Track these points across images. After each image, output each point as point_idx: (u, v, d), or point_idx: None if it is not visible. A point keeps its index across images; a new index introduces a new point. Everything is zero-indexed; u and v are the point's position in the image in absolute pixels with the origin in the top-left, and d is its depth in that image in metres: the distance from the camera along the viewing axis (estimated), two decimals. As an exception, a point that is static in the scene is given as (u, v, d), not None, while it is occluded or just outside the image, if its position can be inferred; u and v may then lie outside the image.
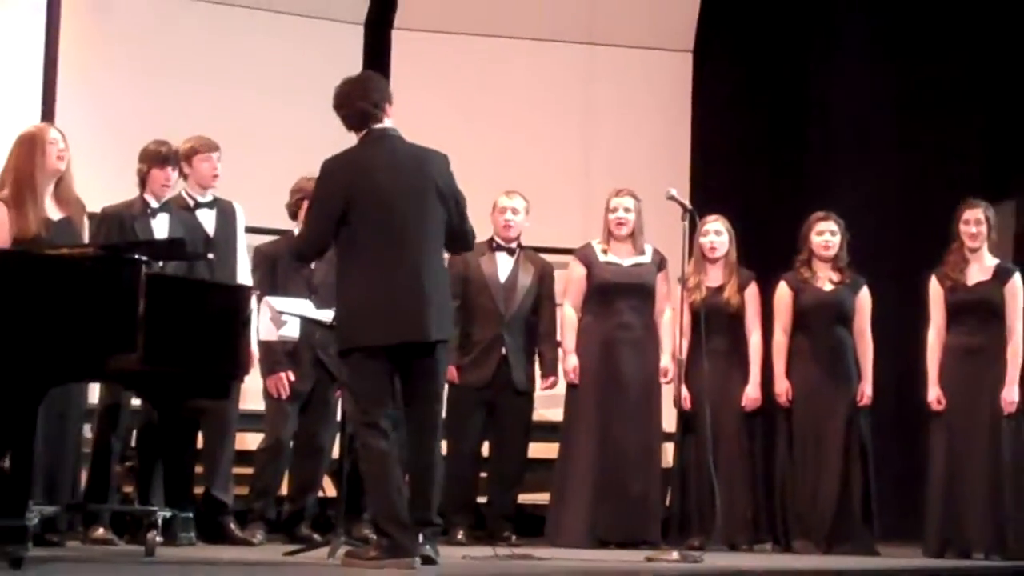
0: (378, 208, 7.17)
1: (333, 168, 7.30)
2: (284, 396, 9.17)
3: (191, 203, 9.00)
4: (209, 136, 9.10)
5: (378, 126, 7.32)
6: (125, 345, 6.61)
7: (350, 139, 7.39)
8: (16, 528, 6.38)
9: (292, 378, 9.15)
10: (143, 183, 8.73)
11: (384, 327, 7.11)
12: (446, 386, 9.16)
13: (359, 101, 7.35)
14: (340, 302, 7.39)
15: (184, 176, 8.98)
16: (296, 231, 9.04)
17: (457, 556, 8.19)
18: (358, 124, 7.34)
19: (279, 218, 9.47)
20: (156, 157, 8.69)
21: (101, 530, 8.40)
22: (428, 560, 7.04)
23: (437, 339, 7.24)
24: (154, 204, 8.68)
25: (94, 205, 8.52)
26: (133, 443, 8.79)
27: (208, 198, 9.04)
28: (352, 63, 11.72)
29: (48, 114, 10.56)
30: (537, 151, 11.65)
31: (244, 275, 8.97)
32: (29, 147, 7.75)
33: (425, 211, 7.23)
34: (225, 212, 9.08)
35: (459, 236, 7.47)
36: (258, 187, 9.35)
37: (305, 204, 8.87)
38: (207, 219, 8.97)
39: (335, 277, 7.56)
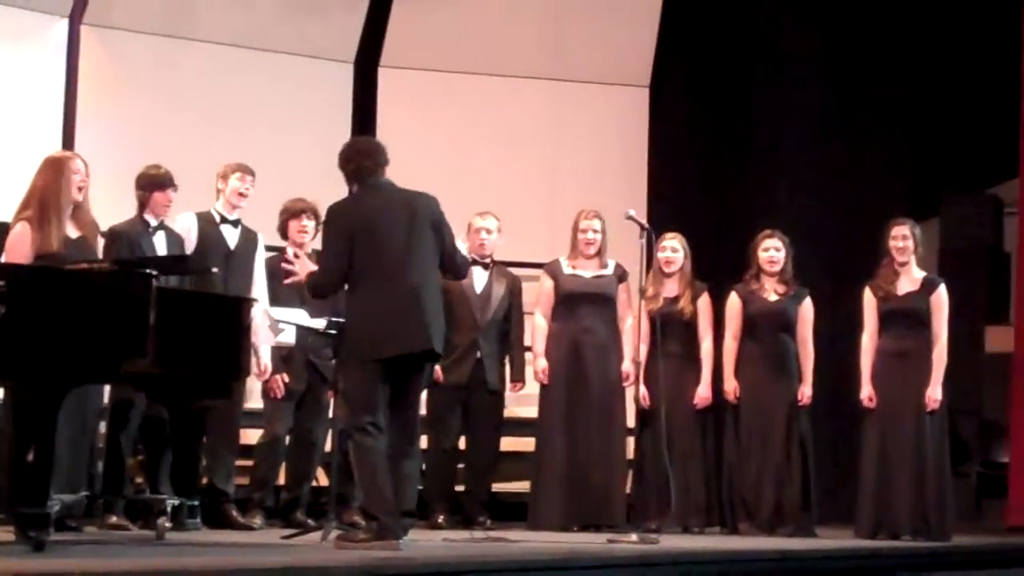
0: (376, 243, 7.36)
1: (336, 213, 7.51)
2: (280, 396, 9.24)
3: (217, 218, 9.10)
4: (207, 163, 9.26)
5: (375, 180, 7.52)
6: (137, 350, 6.70)
7: (331, 174, 7.55)
8: (39, 515, 6.46)
9: (287, 380, 9.22)
10: (143, 204, 8.79)
11: (385, 342, 7.29)
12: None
13: (365, 160, 7.55)
14: (348, 322, 7.58)
15: (219, 191, 9.16)
16: (288, 248, 9.19)
17: (438, 539, 8.30)
18: (359, 180, 7.55)
19: (272, 236, 9.53)
20: (155, 181, 8.78)
21: (115, 517, 8.42)
22: None
23: (436, 352, 7.52)
24: (153, 223, 8.75)
25: (104, 224, 8.58)
26: (142, 437, 8.85)
27: (234, 217, 9.14)
28: (343, 98, 11.82)
29: (68, 142, 10.62)
30: (509, 175, 11.68)
31: (259, 291, 9.01)
32: (55, 172, 7.80)
33: (419, 243, 7.44)
34: (248, 234, 9.20)
35: (451, 265, 7.70)
36: (254, 209, 9.35)
37: (290, 223, 9.11)
38: (230, 235, 9.09)
39: (343, 301, 7.70)
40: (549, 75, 12.31)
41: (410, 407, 7.58)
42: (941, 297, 9.62)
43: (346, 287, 7.51)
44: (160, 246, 8.68)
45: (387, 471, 7.31)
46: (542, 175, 11.92)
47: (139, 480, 8.90)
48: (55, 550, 6.37)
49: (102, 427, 8.62)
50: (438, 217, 7.57)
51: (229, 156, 9.33)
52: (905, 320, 9.60)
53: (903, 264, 9.62)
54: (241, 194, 9.16)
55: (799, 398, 9.82)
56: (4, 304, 6.30)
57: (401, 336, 7.33)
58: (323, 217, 7.75)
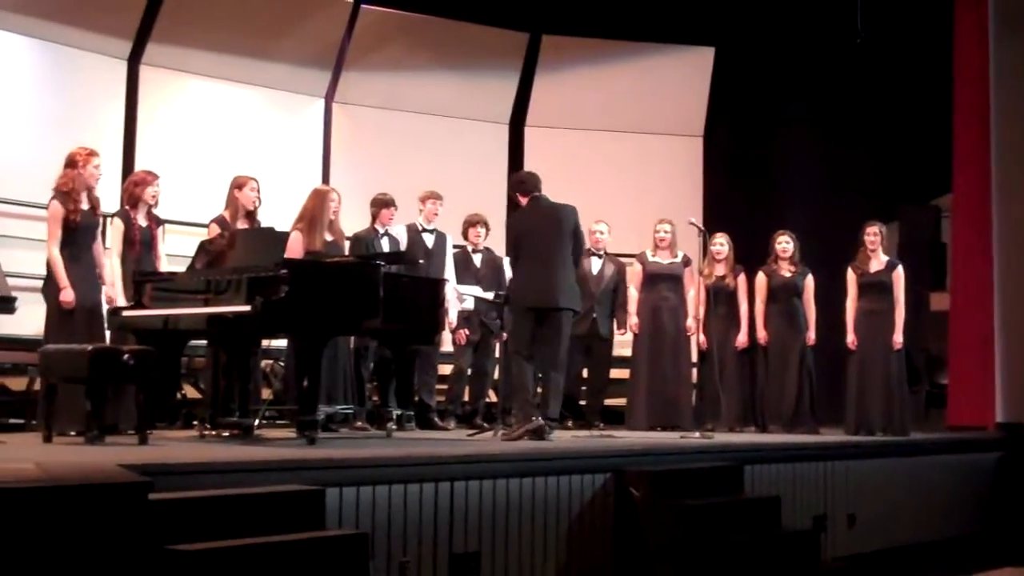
0: (533, 240, 7.70)
1: (510, 224, 7.99)
2: (463, 343, 9.30)
3: (420, 227, 9.14)
4: (414, 191, 9.28)
5: (537, 194, 7.80)
6: (372, 313, 6.77)
7: (495, 198, 7.68)
8: (311, 421, 6.56)
9: (468, 332, 9.26)
10: (374, 218, 8.91)
11: (529, 298, 7.65)
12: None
13: (534, 180, 7.91)
14: (512, 286, 7.98)
15: (419, 211, 9.18)
16: (468, 246, 9.45)
17: (568, 436, 8.30)
18: (528, 194, 7.82)
19: (455, 239, 9.57)
20: (383, 202, 8.92)
21: (359, 422, 8.52)
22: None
23: (561, 307, 7.66)
24: (381, 230, 8.84)
25: (348, 231, 8.68)
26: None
27: (431, 227, 9.17)
28: (501, 151, 11.85)
29: (324, 179, 10.76)
30: (612, 196, 11.57)
31: (449, 274, 9.03)
32: (319, 199, 7.93)
33: (559, 242, 7.72)
34: (441, 237, 9.19)
35: (576, 258, 7.94)
36: (444, 225, 9.38)
37: (469, 230, 9.40)
38: (428, 239, 9.12)
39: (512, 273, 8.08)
40: (635, 129, 12.30)
41: (547, 343, 7.66)
42: (900, 274, 9.48)
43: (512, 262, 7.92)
44: (385, 246, 8.77)
45: (533, 385, 7.62)
46: (633, 195, 11.84)
47: (374, 398, 9.00)
48: (322, 443, 6.47)
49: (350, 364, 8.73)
50: (575, 223, 7.83)
51: (425, 186, 9.35)
52: (875, 289, 9.47)
53: (873, 251, 9.51)
54: (435, 213, 9.20)
55: (806, 341, 9.72)
56: (288, 285, 6.38)
57: (538, 296, 7.60)
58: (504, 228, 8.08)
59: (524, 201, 7.83)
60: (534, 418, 7.43)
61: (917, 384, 11.58)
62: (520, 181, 8.00)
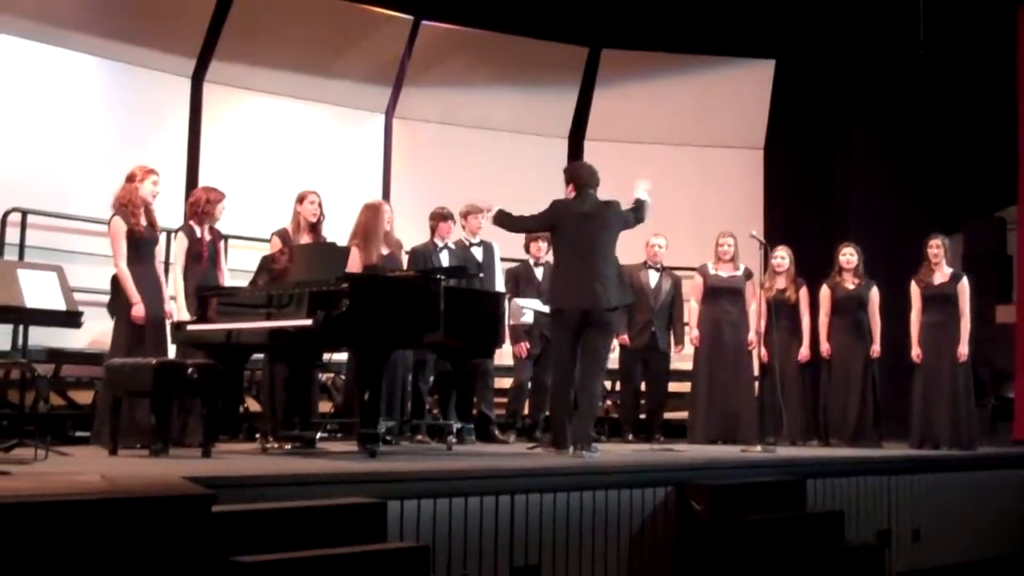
0: (572, 236, 7.40)
1: (556, 204, 7.54)
2: (523, 356, 9.28)
3: (468, 243, 9.12)
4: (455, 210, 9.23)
5: (587, 190, 7.51)
6: (433, 327, 6.79)
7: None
8: (372, 434, 6.57)
9: (528, 346, 9.25)
10: (433, 231, 8.89)
11: (562, 300, 7.38)
12: (619, 347, 9.32)
13: (592, 177, 7.59)
14: (551, 283, 7.81)
15: (463, 227, 9.13)
16: (529, 259, 9.36)
17: (627, 450, 8.28)
18: (579, 186, 7.54)
19: (515, 252, 9.59)
20: (441, 216, 8.89)
21: (420, 436, 8.55)
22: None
23: (605, 308, 7.29)
24: (440, 244, 8.83)
25: (407, 244, 8.72)
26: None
27: (477, 240, 9.15)
28: (560, 166, 11.80)
29: (386, 194, 10.81)
30: (672, 208, 11.48)
31: (500, 286, 9.04)
32: (373, 213, 7.92)
33: (602, 237, 7.39)
34: (488, 248, 9.17)
35: (636, 222, 7.64)
36: (498, 236, 9.36)
37: (531, 244, 9.19)
38: (477, 253, 9.08)
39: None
40: (695, 143, 12.27)
41: (591, 349, 7.29)
42: (965, 286, 9.40)
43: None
44: (444, 259, 8.76)
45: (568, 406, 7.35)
46: (694, 209, 11.82)
47: (435, 411, 9.01)
48: (383, 457, 6.49)
49: (410, 377, 8.75)
50: (621, 214, 7.53)
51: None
52: (940, 302, 9.39)
53: (937, 264, 9.43)
54: (479, 226, 9.11)
55: (871, 354, 9.62)
56: (349, 299, 6.41)
57: (573, 298, 7.28)
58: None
59: (571, 192, 7.57)
60: (560, 439, 7.27)
61: (983, 398, 11.46)
62: (575, 173, 7.65)
